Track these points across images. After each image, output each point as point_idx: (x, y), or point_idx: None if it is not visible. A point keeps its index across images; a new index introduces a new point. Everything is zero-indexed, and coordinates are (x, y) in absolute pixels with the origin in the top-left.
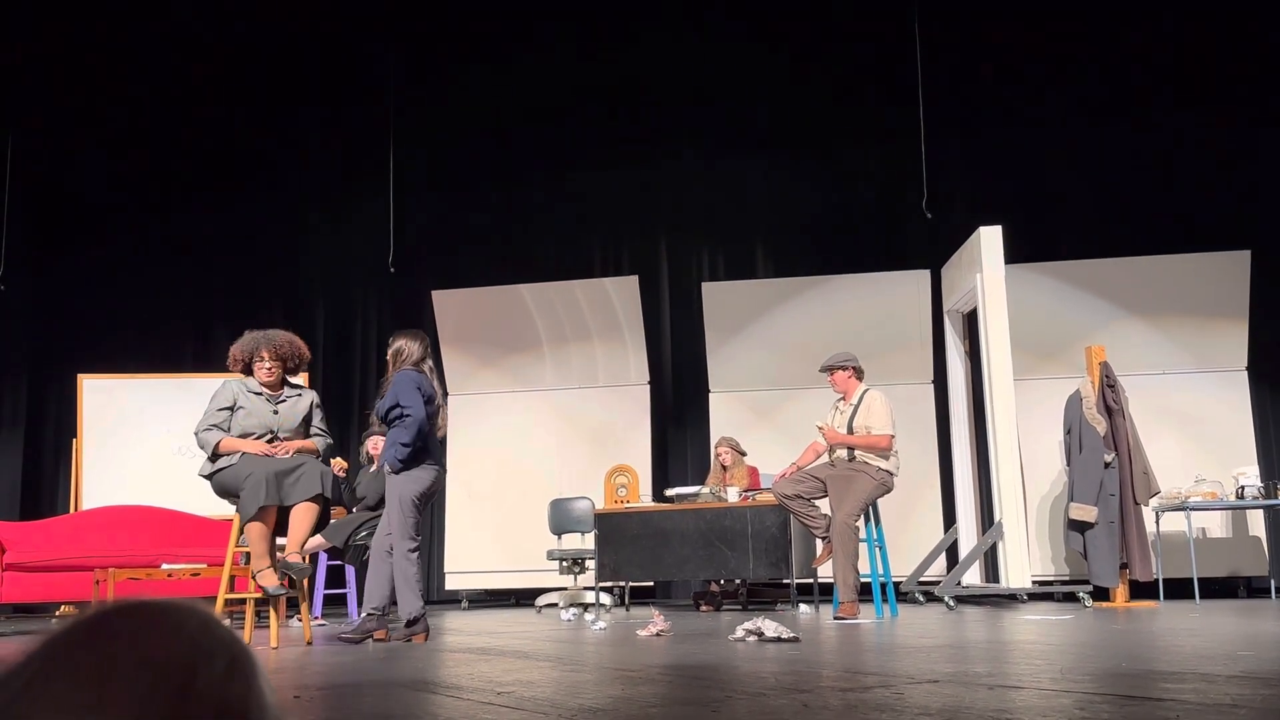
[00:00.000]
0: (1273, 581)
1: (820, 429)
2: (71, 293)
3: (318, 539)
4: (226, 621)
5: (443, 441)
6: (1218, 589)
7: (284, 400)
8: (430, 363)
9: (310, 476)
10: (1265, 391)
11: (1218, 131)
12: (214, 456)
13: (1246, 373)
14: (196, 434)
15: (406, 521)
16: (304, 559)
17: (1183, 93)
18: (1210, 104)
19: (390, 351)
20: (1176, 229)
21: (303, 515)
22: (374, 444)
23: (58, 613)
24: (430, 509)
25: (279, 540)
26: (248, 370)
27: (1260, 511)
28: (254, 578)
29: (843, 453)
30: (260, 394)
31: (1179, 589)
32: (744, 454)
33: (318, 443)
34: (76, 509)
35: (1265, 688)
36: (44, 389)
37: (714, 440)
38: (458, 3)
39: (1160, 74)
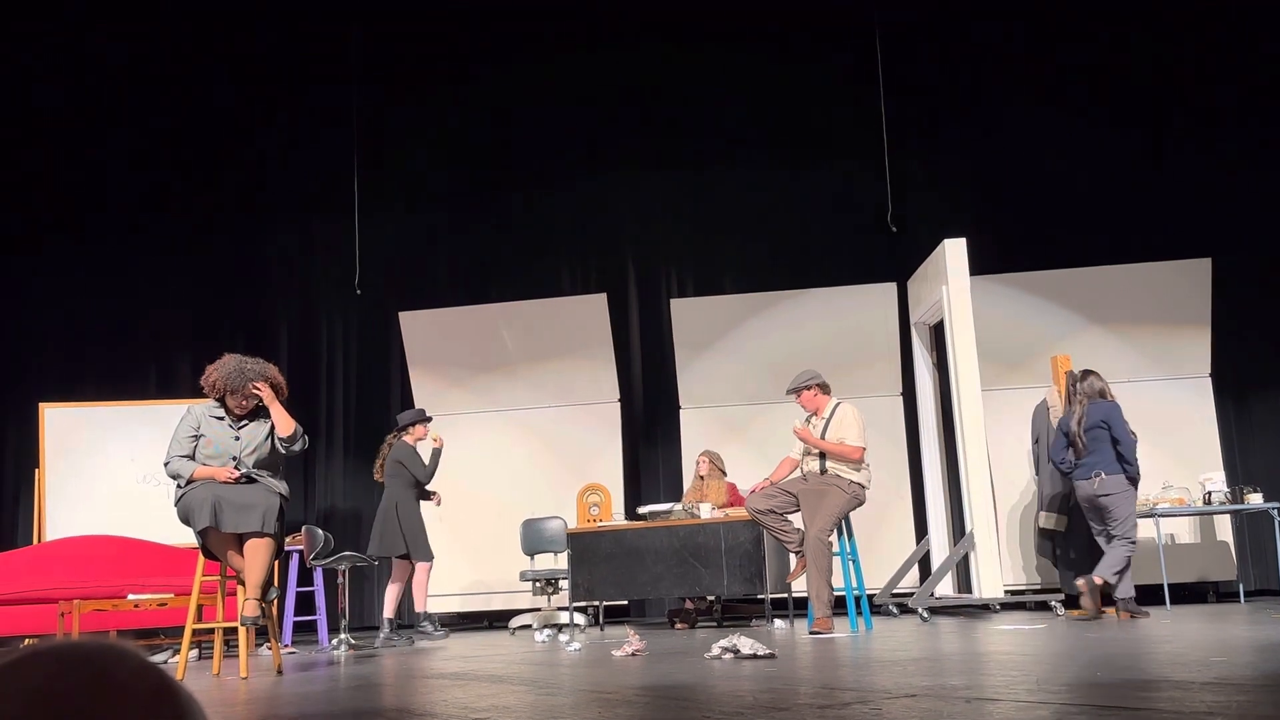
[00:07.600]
0: (1241, 586)
1: (795, 429)
2: (32, 320)
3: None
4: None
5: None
6: (1187, 594)
7: (245, 425)
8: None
9: (254, 512)
10: (1229, 397)
11: (1177, 141)
12: (189, 483)
13: (1210, 379)
14: (167, 465)
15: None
16: (260, 608)
17: (1142, 104)
18: (1169, 114)
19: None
20: (1138, 238)
21: (255, 555)
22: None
23: (22, 646)
24: None
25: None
26: (221, 397)
27: (1227, 516)
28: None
29: (815, 466)
30: (222, 419)
31: (1149, 595)
32: (725, 473)
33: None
34: (39, 540)
35: (1240, 694)
36: (4, 418)
37: (691, 455)
38: (422, 22)
39: (1120, 87)
